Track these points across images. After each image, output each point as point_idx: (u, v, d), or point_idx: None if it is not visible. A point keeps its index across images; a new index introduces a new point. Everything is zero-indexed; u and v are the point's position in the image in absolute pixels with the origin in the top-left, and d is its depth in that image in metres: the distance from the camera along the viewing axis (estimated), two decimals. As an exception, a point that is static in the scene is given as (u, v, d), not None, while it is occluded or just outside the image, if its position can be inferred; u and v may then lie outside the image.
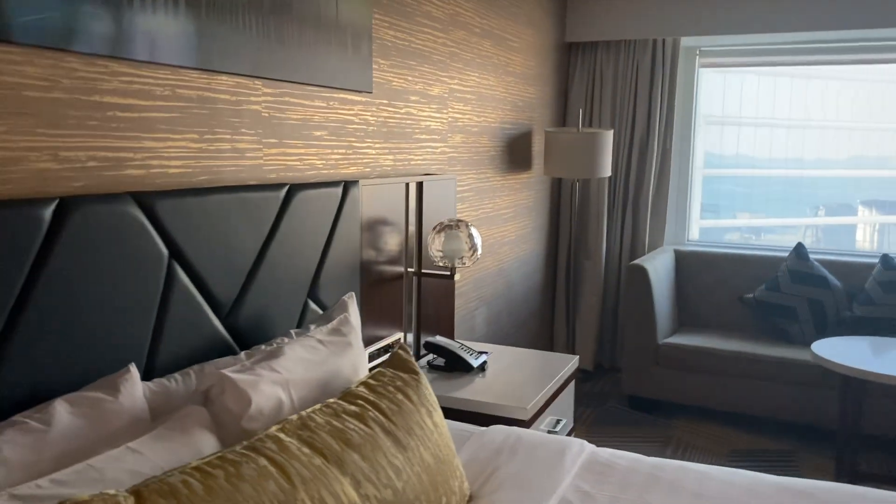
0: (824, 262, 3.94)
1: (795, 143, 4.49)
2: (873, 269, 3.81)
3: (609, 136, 3.80)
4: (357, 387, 1.48)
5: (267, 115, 1.99)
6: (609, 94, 4.36)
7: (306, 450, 1.21)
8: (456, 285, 3.10)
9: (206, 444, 1.28)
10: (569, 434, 2.69)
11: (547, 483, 1.65)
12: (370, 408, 1.42)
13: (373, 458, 1.30)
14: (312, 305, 2.05)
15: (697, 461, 3.28)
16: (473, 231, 2.51)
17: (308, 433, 1.26)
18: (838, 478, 3.14)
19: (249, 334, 1.80)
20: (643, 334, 3.84)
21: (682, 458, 3.30)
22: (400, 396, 1.49)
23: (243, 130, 1.91)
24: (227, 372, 1.38)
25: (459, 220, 2.53)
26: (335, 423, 1.32)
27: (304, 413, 1.32)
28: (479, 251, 2.51)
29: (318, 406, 1.37)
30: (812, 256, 3.93)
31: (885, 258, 3.79)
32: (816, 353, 3.07)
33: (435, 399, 1.60)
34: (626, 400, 3.97)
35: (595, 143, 3.73)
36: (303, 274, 2.01)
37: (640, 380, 3.88)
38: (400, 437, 1.39)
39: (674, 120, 4.29)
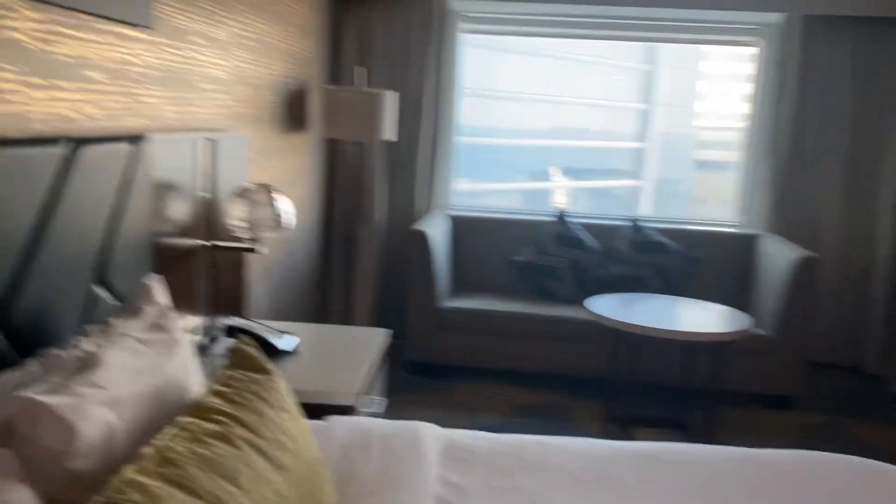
0: (583, 225, 4.22)
1: (518, 113, 4.75)
2: (624, 231, 4.17)
3: (394, 98, 3.66)
4: (208, 397, 1.18)
5: (33, 47, 1.52)
6: (381, 53, 4.21)
7: (179, 494, 0.92)
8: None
9: (19, 500, 0.92)
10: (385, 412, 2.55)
11: (414, 480, 1.49)
12: (232, 423, 1.13)
13: (254, 489, 1.03)
14: (102, 292, 1.64)
15: (487, 421, 3.35)
16: (279, 197, 2.22)
17: (174, 470, 0.96)
18: (608, 422, 3.41)
19: (29, 335, 1.37)
20: (425, 300, 3.82)
21: (471, 420, 3.34)
22: (260, 404, 1.22)
23: (1, 66, 1.44)
24: (35, 395, 1.01)
25: (263, 185, 2.22)
26: (200, 450, 1.03)
27: (158, 443, 1.00)
28: (288, 220, 2.24)
29: (170, 431, 1.06)
30: (572, 220, 4.19)
31: (633, 221, 4.16)
32: (592, 311, 3.26)
33: (292, 398, 1.35)
34: (409, 366, 3.93)
35: (379, 105, 3.56)
36: (88, 253, 1.60)
37: (423, 345, 3.86)
38: (273, 455, 1.13)
39: (443, 86, 4.27)
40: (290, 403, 1.31)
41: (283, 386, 1.33)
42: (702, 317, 3.26)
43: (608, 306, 3.31)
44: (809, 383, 3.98)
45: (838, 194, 4.19)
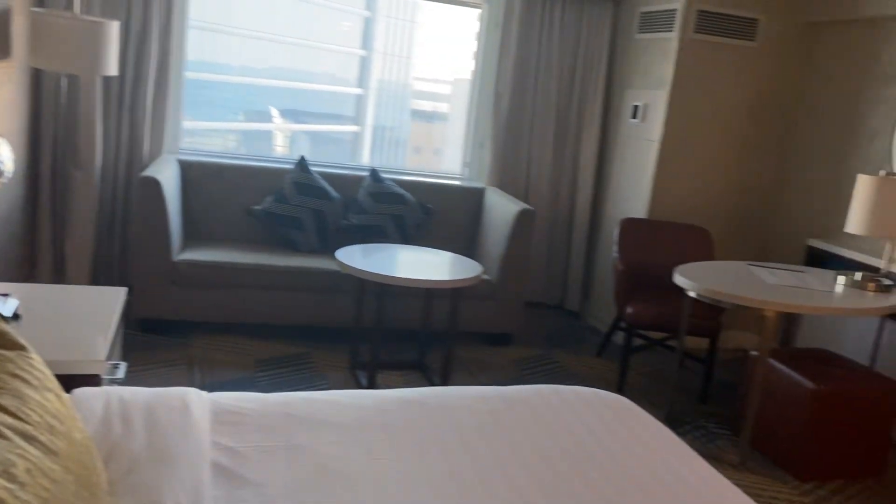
0: (324, 175, 4.22)
1: (217, 50, 4.58)
2: (364, 181, 4.26)
3: (114, 28, 3.29)
4: (-48, 382, 1.01)
5: None
6: (98, -25, 3.74)
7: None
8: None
9: None
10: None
11: (188, 449, 1.43)
12: (-10, 410, 0.99)
13: (31, 482, 0.92)
14: None
15: (225, 376, 3.28)
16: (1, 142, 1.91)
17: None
18: (352, 369, 3.52)
19: None
20: (157, 253, 3.56)
21: (210, 376, 3.24)
22: (18, 384, 1.08)
23: None
24: None
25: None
26: (-44, 445, 0.88)
27: None
28: (6, 167, 1.93)
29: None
30: (312, 169, 4.17)
31: (373, 172, 4.26)
32: (345, 263, 3.29)
33: (50, 373, 1.21)
34: (139, 324, 3.66)
35: (99, 35, 3.18)
36: None
37: (154, 301, 3.61)
38: (44, 440, 1.01)
39: (171, 17, 3.93)
40: (52, 380, 1.17)
41: (40, 361, 1.18)
42: (440, 265, 3.47)
43: (353, 256, 3.38)
44: (525, 321, 4.47)
45: (549, 151, 4.69)
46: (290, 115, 4.94)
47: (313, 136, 5.06)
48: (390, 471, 1.48)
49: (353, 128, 5.01)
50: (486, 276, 3.97)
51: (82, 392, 1.59)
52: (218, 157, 4.30)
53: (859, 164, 3.87)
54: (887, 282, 3.28)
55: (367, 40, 4.98)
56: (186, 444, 1.42)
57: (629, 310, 3.61)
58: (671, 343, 3.98)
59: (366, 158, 4.89)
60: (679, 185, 4.24)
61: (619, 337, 4.25)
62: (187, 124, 4.34)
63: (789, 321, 3.84)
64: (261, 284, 3.70)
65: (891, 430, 3.06)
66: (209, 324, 3.77)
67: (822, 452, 2.98)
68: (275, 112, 4.85)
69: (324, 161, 4.55)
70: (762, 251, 4.46)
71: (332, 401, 1.75)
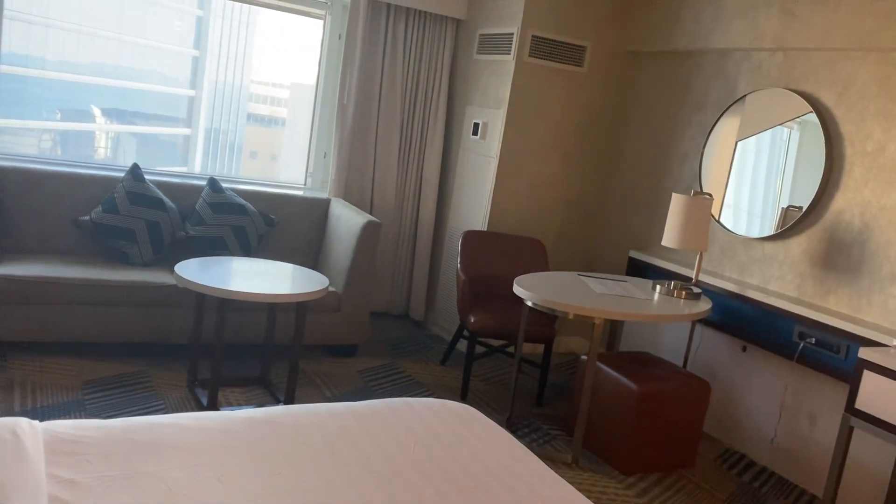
0: (158, 184, 4.03)
1: (35, 43, 4.30)
2: (202, 191, 4.11)
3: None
4: None
5: None
6: None
7: None
8: None
9: None
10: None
11: (22, 485, 1.33)
12: None
13: None
14: None
15: (51, 399, 3.05)
16: None
17: None
18: (191, 387, 3.39)
19: None
20: (-33, 267, 3.24)
21: (32, 401, 3.01)
22: None
23: None
24: None
25: None
26: None
27: None
28: None
29: None
30: (147, 178, 3.97)
31: (212, 181, 4.13)
32: (180, 276, 3.16)
33: None
34: (-56, 346, 3.31)
35: None
36: None
37: (-36, 321, 3.27)
38: None
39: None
40: None
41: None
42: (284, 278, 3.43)
43: (191, 270, 3.25)
44: (371, 332, 4.51)
45: (394, 163, 4.77)
46: (114, 114, 4.63)
47: (140, 137, 4.78)
48: (240, 495, 1.46)
49: (185, 130, 4.80)
50: (331, 289, 3.96)
51: None
52: (38, 162, 3.98)
53: (673, 183, 4.28)
54: (696, 290, 3.65)
55: (200, 40, 4.80)
56: (19, 479, 1.33)
57: (472, 318, 3.75)
58: (510, 350, 4.18)
59: (198, 162, 4.70)
60: (515, 200, 4.46)
61: (462, 345, 4.40)
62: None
63: (613, 327, 4.15)
64: (89, 300, 3.47)
65: (702, 425, 3.41)
66: (29, 343, 3.48)
67: (644, 447, 3.26)
68: (97, 111, 4.54)
69: (153, 165, 4.35)
70: (589, 261, 4.79)
71: (176, 424, 1.70)
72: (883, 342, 2.97)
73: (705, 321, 3.78)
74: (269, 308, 3.63)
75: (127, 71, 4.48)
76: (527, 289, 3.28)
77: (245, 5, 4.62)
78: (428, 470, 1.66)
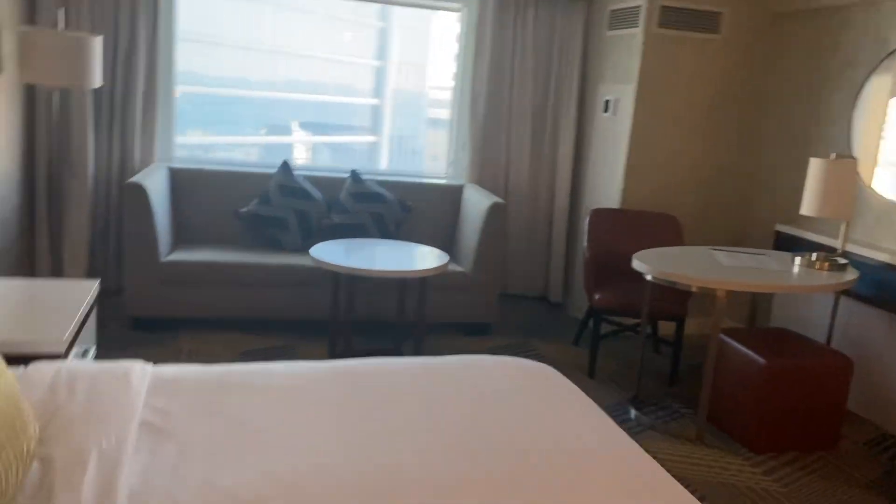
0: (309, 178, 4.41)
1: (254, 65, 4.80)
2: (345, 182, 4.44)
3: (97, 42, 3.50)
4: None
5: None
6: (85, -6, 3.97)
7: None
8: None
9: None
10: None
11: (122, 410, 1.60)
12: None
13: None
14: None
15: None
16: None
17: None
18: (330, 358, 3.68)
19: None
20: (145, 254, 3.76)
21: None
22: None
23: None
24: None
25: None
26: None
27: None
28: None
29: None
30: (296, 172, 4.36)
31: (354, 173, 4.44)
32: (315, 257, 3.47)
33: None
34: (130, 322, 3.87)
35: (82, 49, 3.39)
36: None
37: (145, 299, 3.81)
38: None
39: (158, 30, 4.15)
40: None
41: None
42: (407, 257, 3.63)
43: (327, 252, 3.55)
44: (504, 312, 4.61)
45: (527, 146, 4.84)
46: (309, 127, 5.14)
47: (333, 147, 5.24)
48: (302, 429, 1.64)
49: (371, 137, 5.18)
50: (460, 268, 4.12)
51: (36, 365, 1.77)
52: (207, 164, 4.50)
53: (822, 149, 3.97)
54: (841, 261, 3.38)
55: (382, 50, 5.14)
56: (118, 405, 1.60)
57: (596, 296, 3.74)
58: (648, 331, 4.09)
59: (384, 166, 5.06)
60: (650, 176, 4.36)
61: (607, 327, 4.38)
62: (200, 138, 4.57)
63: (756, 302, 3.93)
64: (245, 281, 3.89)
65: (844, 404, 3.16)
66: (198, 320, 3.96)
67: (776, 426, 3.08)
68: (294, 124, 5.05)
69: (312, 166, 4.75)
70: (734, 237, 4.55)
71: (266, 370, 1.92)
72: None
73: (856, 296, 3.49)
74: (399, 285, 3.85)
75: (317, 86, 4.95)
76: (647, 262, 3.22)
77: (424, 12, 4.90)
78: (487, 427, 1.73)
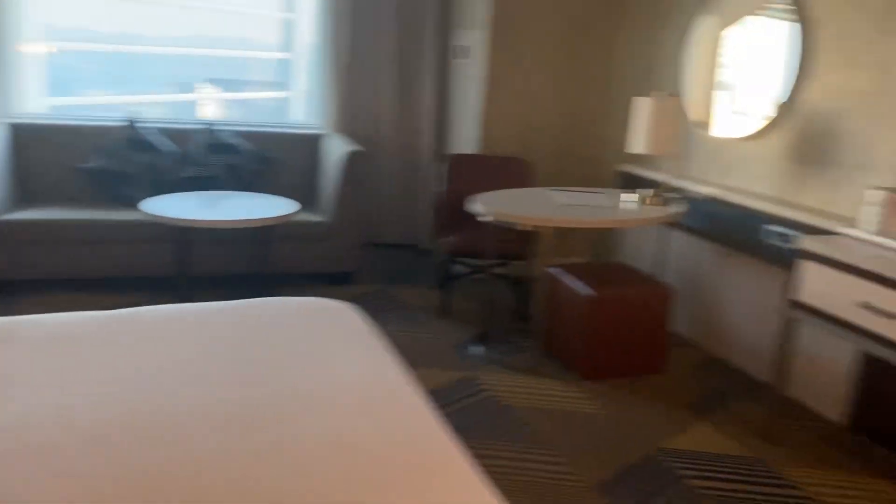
0: (157, 130, 4.28)
1: (134, 18, 4.60)
2: (199, 134, 4.33)
3: None
4: None
5: None
6: None
7: None
8: None
9: None
10: None
11: None
12: None
13: None
14: None
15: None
16: None
17: None
18: (183, 316, 3.65)
19: None
20: (-22, 214, 3.60)
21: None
22: None
23: None
24: None
25: None
26: None
27: None
28: None
29: None
30: (145, 125, 4.22)
31: (209, 124, 4.34)
32: (145, 211, 3.40)
33: None
34: (-32, 286, 3.71)
35: None
36: None
37: (-20, 262, 3.66)
38: None
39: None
40: None
41: None
42: (253, 208, 3.60)
43: (165, 206, 3.48)
44: (371, 260, 4.66)
45: (392, 94, 4.83)
46: (217, 83, 4.98)
47: (243, 104, 5.09)
48: (67, 375, 1.63)
49: (281, 93, 5.04)
50: (319, 218, 4.12)
51: None
52: (49, 119, 4.30)
53: (660, 89, 4.12)
54: (670, 196, 3.55)
55: (291, 3, 4.96)
56: None
57: (445, 240, 3.81)
58: (498, 270, 4.22)
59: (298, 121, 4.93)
60: (506, 121, 4.43)
61: (460, 269, 4.48)
62: (106, 98, 4.36)
63: (600, 239, 4.10)
64: (89, 239, 3.78)
65: (667, 330, 3.36)
66: (41, 281, 3.83)
67: (605, 354, 3.25)
68: (200, 81, 4.88)
69: (164, 118, 4.60)
70: (585, 178, 4.68)
71: (35, 321, 1.89)
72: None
73: (689, 229, 3.68)
74: (254, 237, 3.82)
75: (222, 40, 4.77)
76: (484, 204, 3.30)
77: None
78: (275, 363, 1.77)
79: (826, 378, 3.05)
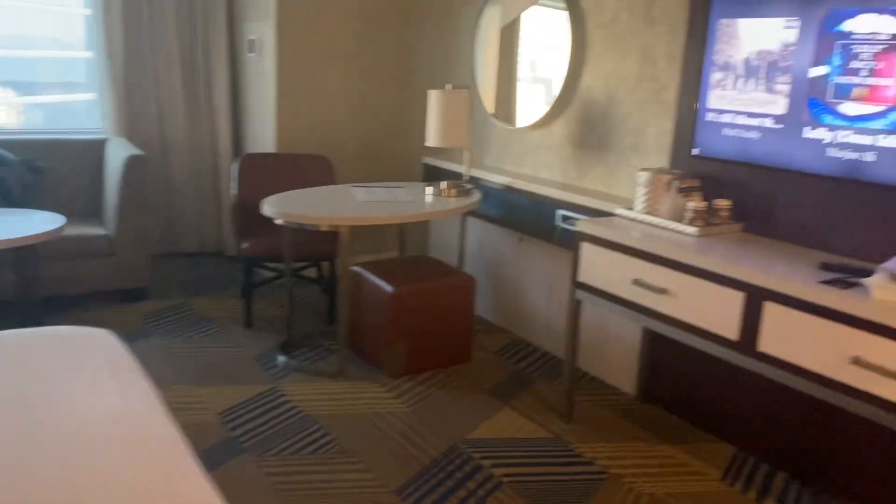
0: None
1: None
2: (-49, 146, 3.82)
3: None
4: None
5: None
6: None
7: None
8: None
9: None
10: None
11: None
12: None
13: None
14: None
15: None
16: None
17: None
18: None
19: None
20: None
21: None
22: None
23: None
24: None
25: None
26: None
27: None
28: None
29: None
30: None
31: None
32: None
33: None
34: None
35: None
36: None
37: None
38: None
39: None
40: None
41: None
42: (13, 225, 3.21)
43: None
44: (168, 272, 4.35)
45: (181, 97, 4.52)
46: (13, 86, 4.32)
47: (48, 108, 4.45)
48: None
49: (88, 95, 4.47)
50: (102, 232, 3.77)
51: None
52: None
53: (456, 81, 4.15)
54: (467, 186, 3.58)
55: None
56: None
57: (243, 245, 3.62)
58: (306, 273, 4.08)
59: (112, 126, 4.38)
60: (302, 118, 4.28)
61: (268, 274, 4.28)
62: None
63: (407, 234, 4.07)
64: None
65: (472, 320, 3.38)
66: None
67: (410, 349, 3.21)
68: None
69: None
70: (391, 173, 4.65)
71: None
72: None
73: (488, 217, 3.73)
74: (22, 258, 3.42)
75: (19, 39, 4.14)
76: (277, 206, 3.14)
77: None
78: (15, 401, 1.54)
79: (619, 352, 3.20)
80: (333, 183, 4.07)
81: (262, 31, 4.23)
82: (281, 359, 3.32)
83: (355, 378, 3.18)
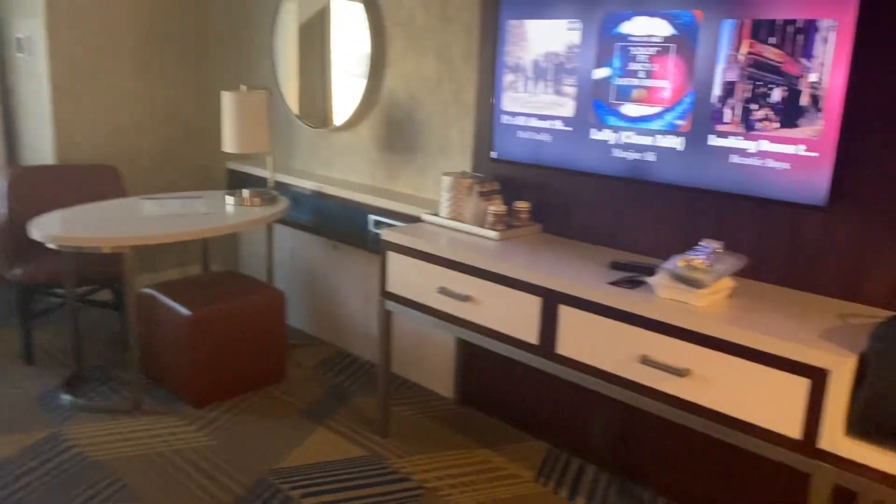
0: None
1: None
2: None
3: None
4: None
5: None
6: None
7: None
8: None
9: None
10: None
11: None
12: None
13: None
14: None
15: None
16: None
17: None
18: None
19: None
20: None
21: None
22: None
23: None
24: None
25: None
26: None
27: None
28: None
29: None
30: None
31: None
32: None
33: None
34: None
35: None
36: None
37: None
38: None
39: None
40: None
41: None
42: None
43: None
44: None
45: None
46: None
47: None
48: None
49: None
50: None
51: None
52: None
53: (259, 82, 3.91)
54: (272, 193, 3.37)
55: None
56: None
57: (15, 271, 3.19)
58: (98, 297, 3.69)
59: None
60: (88, 124, 3.86)
61: (53, 301, 3.83)
62: None
63: (210, 248, 3.80)
64: None
65: (284, 337, 3.19)
66: None
67: (215, 376, 2.97)
68: None
69: None
70: (194, 180, 4.32)
71: None
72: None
73: (299, 225, 3.54)
74: None
75: None
76: (45, 229, 2.78)
77: None
78: None
79: (436, 357, 3.14)
80: (123, 195, 3.70)
81: (31, 29, 3.76)
82: (65, 398, 2.96)
83: (153, 412, 2.90)
